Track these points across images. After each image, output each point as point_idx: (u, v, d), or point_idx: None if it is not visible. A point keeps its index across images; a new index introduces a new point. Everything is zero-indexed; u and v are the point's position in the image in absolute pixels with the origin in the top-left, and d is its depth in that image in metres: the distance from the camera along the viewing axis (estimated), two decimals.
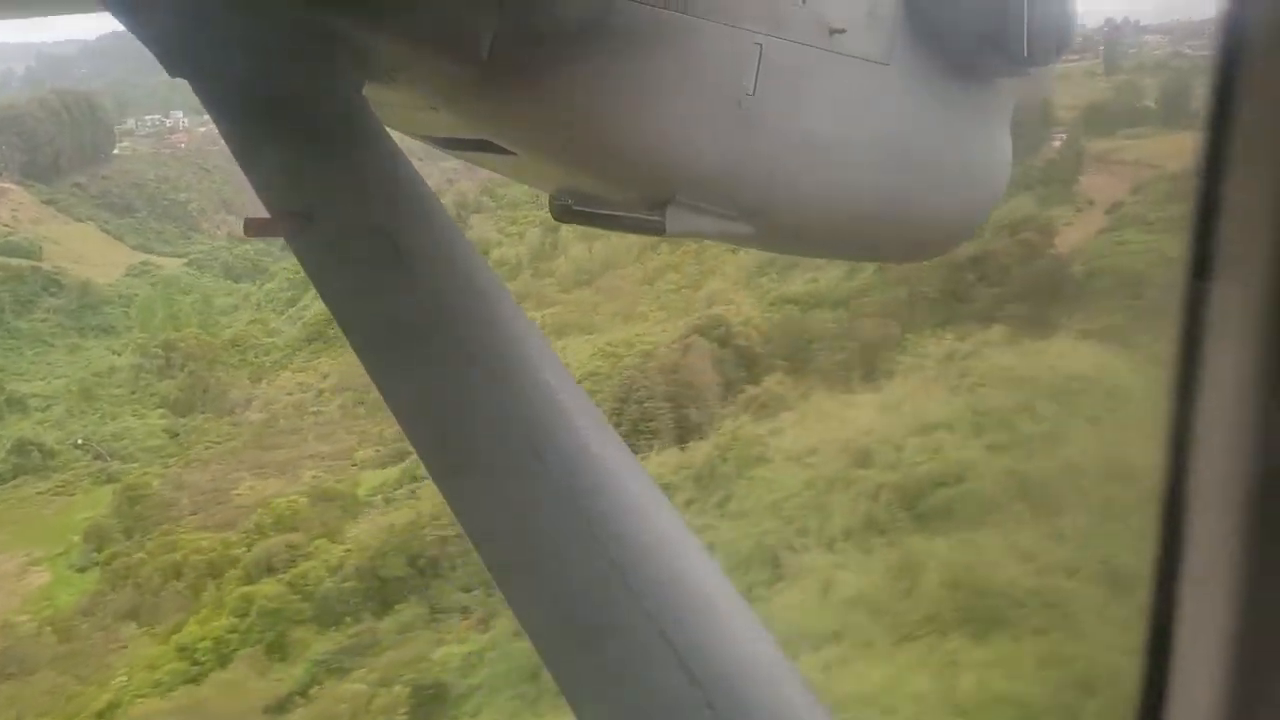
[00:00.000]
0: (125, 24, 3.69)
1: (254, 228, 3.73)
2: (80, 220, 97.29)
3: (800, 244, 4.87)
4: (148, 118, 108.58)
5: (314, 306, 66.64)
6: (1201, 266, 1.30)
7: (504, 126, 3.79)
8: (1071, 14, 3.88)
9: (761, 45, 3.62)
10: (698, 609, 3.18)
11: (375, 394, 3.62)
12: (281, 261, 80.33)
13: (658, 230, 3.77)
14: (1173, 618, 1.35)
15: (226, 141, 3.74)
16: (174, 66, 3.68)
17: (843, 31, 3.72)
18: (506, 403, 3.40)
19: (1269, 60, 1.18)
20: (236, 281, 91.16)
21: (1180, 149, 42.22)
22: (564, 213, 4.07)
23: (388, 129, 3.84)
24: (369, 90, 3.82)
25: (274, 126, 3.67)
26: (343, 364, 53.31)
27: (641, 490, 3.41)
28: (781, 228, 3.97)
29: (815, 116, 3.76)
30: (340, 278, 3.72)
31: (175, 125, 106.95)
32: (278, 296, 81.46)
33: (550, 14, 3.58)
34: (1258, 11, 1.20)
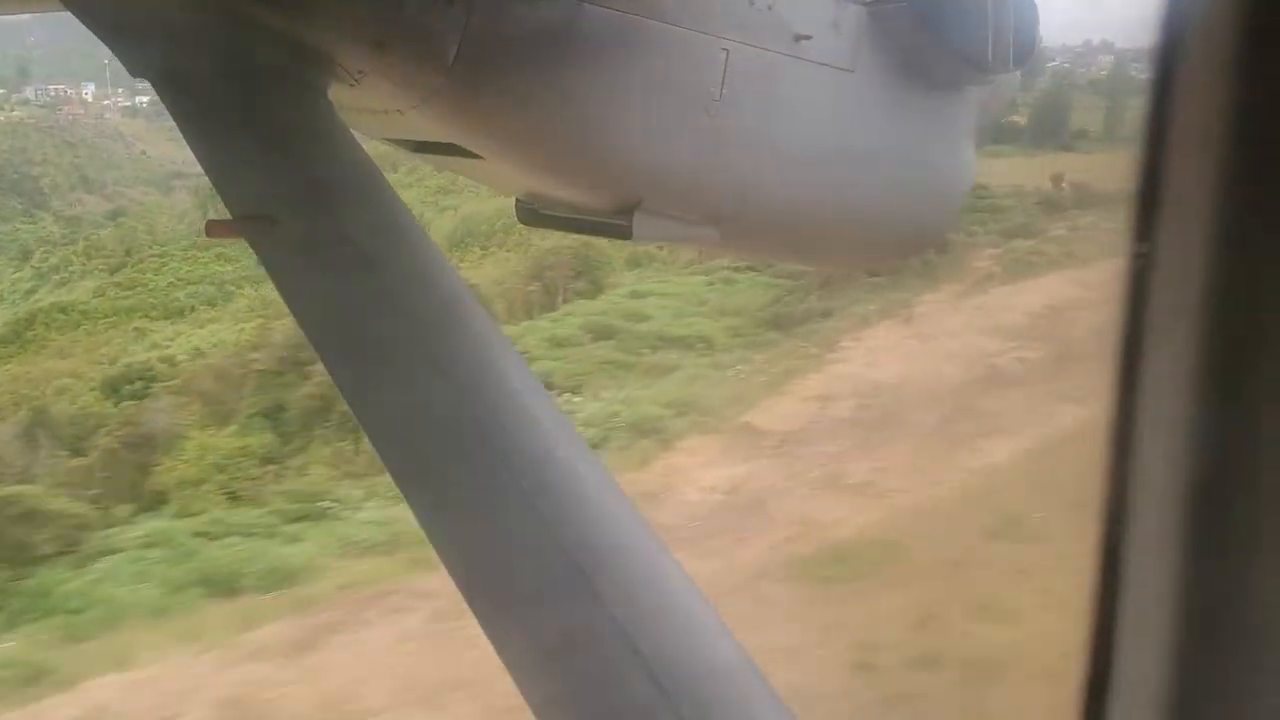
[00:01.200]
0: (87, 25, 3.53)
1: (216, 230, 3.63)
2: None
3: (766, 249, 4.97)
4: (51, 87, 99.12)
5: (46, 300, 56.29)
6: (1141, 262, 1.32)
7: (471, 130, 3.77)
8: (1034, 23, 4.04)
9: (728, 51, 3.68)
10: (664, 614, 3.23)
11: None
12: (61, 245, 67.73)
13: (624, 234, 3.81)
14: (1115, 616, 1.37)
15: (189, 144, 3.61)
16: (136, 67, 3.54)
17: (808, 38, 3.81)
18: (472, 409, 3.39)
19: (1205, 64, 1.22)
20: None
21: (1003, 167, 41.83)
22: (530, 217, 4.07)
23: (353, 132, 3.77)
24: (334, 93, 3.75)
25: (237, 129, 3.56)
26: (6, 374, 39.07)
27: (607, 496, 3.45)
28: (747, 233, 4.07)
29: (781, 122, 3.85)
30: (304, 282, 3.64)
31: (77, 97, 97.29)
32: (19, 287, 65.74)
33: (518, 18, 3.57)
34: (1192, 19, 1.25)
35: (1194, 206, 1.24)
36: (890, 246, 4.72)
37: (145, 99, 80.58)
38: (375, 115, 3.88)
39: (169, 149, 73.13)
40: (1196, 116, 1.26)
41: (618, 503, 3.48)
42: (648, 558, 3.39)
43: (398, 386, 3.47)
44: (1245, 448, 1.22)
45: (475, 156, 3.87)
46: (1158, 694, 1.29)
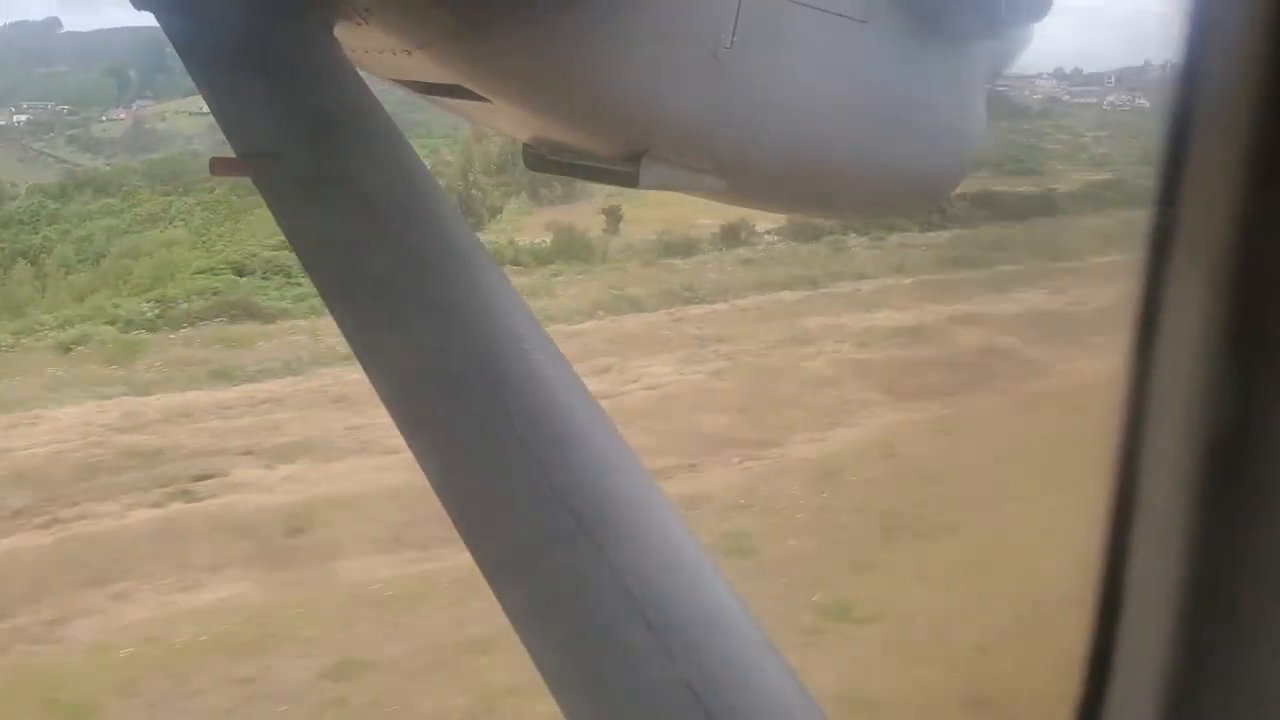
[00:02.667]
0: None
1: (221, 167, 3.63)
2: None
3: (775, 200, 4.92)
4: None
5: None
6: (1161, 238, 1.30)
7: (479, 73, 3.73)
8: None
9: None
10: (660, 561, 3.22)
11: None
12: None
13: (631, 182, 3.77)
14: (1123, 578, 1.36)
15: (194, 79, 3.61)
16: (139, 0, 3.53)
17: None
18: (472, 352, 3.39)
19: (1226, 88, 1.20)
20: None
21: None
22: (537, 162, 4.04)
23: (359, 72, 3.75)
24: (341, 31, 3.72)
25: (242, 65, 3.56)
26: None
27: (606, 442, 3.45)
28: (755, 183, 4.02)
29: (793, 71, 3.77)
30: (306, 221, 3.66)
31: None
32: None
33: None
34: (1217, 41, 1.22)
35: (1219, 166, 1.21)
36: (900, 200, 4.67)
37: (23, 118, 74.15)
38: (382, 55, 3.85)
39: (16, 170, 67.21)
40: (1226, 77, 1.21)
41: (617, 449, 3.48)
42: (645, 505, 3.38)
43: (398, 327, 3.47)
44: (1264, 409, 1.19)
45: (482, 99, 3.83)
46: (1164, 664, 1.27)
